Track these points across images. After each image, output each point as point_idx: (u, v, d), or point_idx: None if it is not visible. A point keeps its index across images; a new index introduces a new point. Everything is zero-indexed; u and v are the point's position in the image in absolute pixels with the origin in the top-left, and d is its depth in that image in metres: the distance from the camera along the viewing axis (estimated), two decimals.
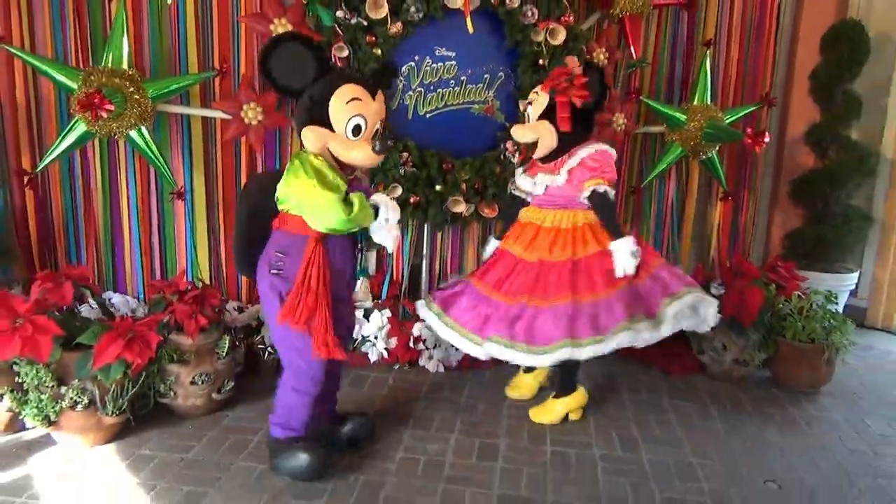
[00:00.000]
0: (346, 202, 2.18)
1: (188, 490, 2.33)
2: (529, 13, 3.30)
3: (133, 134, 2.96)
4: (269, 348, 3.19)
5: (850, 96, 4.13)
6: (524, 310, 2.74)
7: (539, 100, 2.82)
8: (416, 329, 3.40)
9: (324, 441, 2.53)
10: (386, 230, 2.35)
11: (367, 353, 3.42)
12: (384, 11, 3.07)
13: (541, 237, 2.88)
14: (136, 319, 2.63)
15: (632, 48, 3.71)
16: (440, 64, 3.32)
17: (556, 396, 2.97)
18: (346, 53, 3.11)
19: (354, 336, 3.39)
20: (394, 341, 3.40)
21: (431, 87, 3.34)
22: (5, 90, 3.12)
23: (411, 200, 3.31)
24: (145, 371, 2.63)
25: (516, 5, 3.26)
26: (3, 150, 3.18)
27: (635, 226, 4.17)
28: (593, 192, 2.80)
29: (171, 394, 2.78)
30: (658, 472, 2.57)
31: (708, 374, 3.52)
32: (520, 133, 2.90)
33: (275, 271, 2.27)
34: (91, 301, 2.95)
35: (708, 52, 3.90)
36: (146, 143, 3.01)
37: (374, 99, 2.29)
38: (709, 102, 3.82)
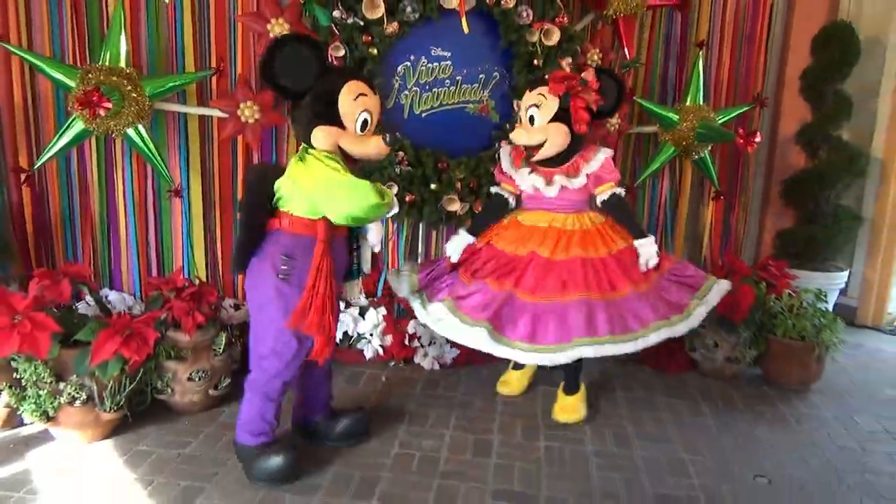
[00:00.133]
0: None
1: (185, 485, 2.35)
2: (524, 14, 3.33)
3: (130, 132, 2.97)
4: None
5: (840, 97, 4.16)
6: (590, 305, 2.72)
7: (548, 103, 2.80)
8: (412, 326, 3.43)
9: (296, 441, 2.58)
10: (377, 228, 2.43)
11: (362, 351, 3.45)
12: (380, 11, 3.09)
13: (569, 239, 2.87)
14: (134, 316, 2.64)
15: (625, 49, 3.73)
16: (436, 64, 3.35)
17: (571, 394, 3.01)
18: (342, 53, 3.13)
19: (350, 333, 3.42)
20: (389, 339, 3.43)
21: (427, 87, 3.37)
22: (3, 88, 3.12)
23: (407, 199, 3.33)
24: (143, 367, 2.65)
25: (511, 6, 3.29)
26: (1, 147, 3.18)
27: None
28: (612, 194, 2.91)
29: (169, 390, 2.80)
30: (650, 468, 2.60)
31: (700, 372, 3.56)
32: (527, 136, 2.85)
33: (282, 276, 2.26)
34: (88, 298, 2.96)
35: (701, 52, 3.93)
36: (143, 141, 3.02)
37: (375, 93, 2.33)
38: (701, 103, 3.85)
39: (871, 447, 2.86)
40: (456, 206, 3.41)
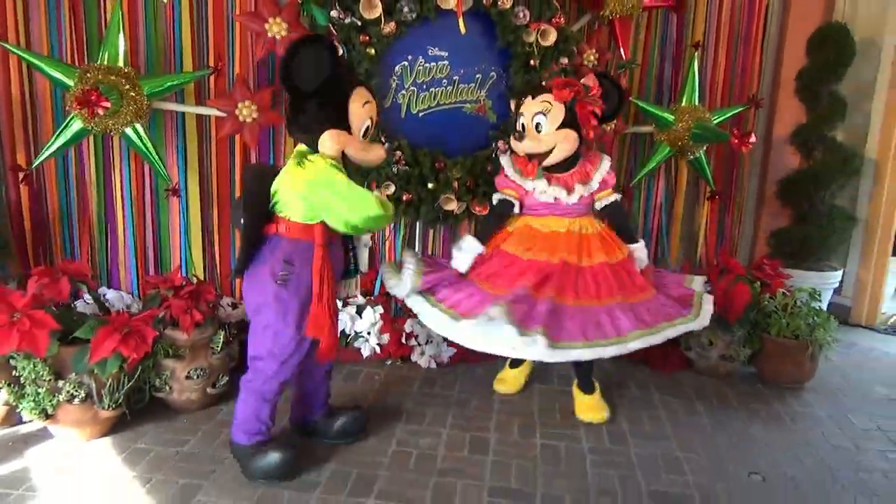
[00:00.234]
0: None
1: (184, 483, 2.36)
2: (521, 14, 3.34)
3: (128, 131, 2.98)
4: None
5: (835, 98, 4.19)
6: (625, 307, 2.76)
7: (554, 110, 2.80)
8: (408, 325, 3.45)
9: (294, 439, 2.60)
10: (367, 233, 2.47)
11: (359, 349, 3.46)
12: (378, 11, 3.10)
13: (590, 243, 2.91)
14: (132, 315, 2.65)
15: (621, 49, 3.75)
16: (433, 63, 3.36)
17: (588, 392, 3.04)
18: (339, 53, 3.14)
19: (347, 332, 3.44)
20: (386, 337, 3.45)
21: (424, 87, 3.38)
22: (1, 86, 3.13)
23: (404, 198, 3.35)
24: (141, 366, 2.66)
25: (508, 6, 3.30)
26: None
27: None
28: (613, 200, 3.00)
29: (167, 388, 2.81)
30: (645, 466, 2.62)
31: (695, 370, 3.58)
32: (536, 144, 2.85)
33: (280, 282, 2.27)
34: (87, 296, 2.97)
35: (696, 53, 3.95)
36: (141, 140, 3.03)
37: (375, 100, 2.35)
38: (697, 103, 3.88)
39: (864, 445, 2.88)
40: (453, 206, 3.42)
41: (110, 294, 3.32)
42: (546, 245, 2.88)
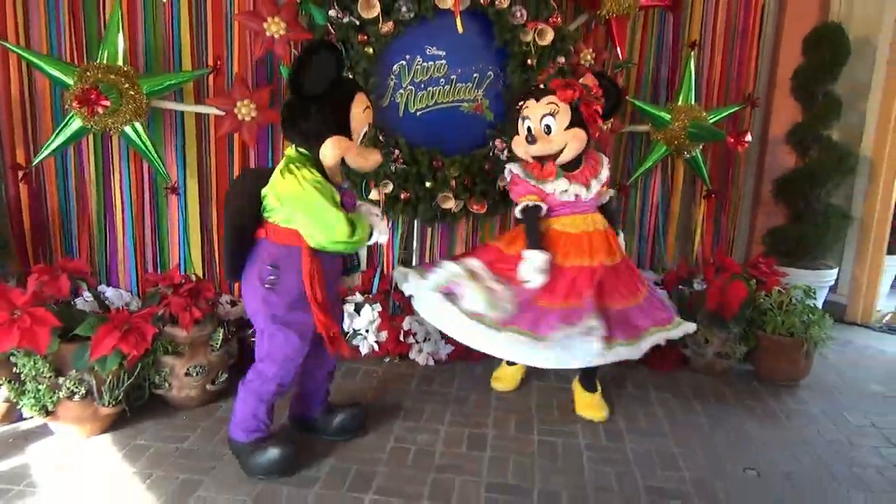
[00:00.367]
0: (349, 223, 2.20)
1: (183, 479, 2.37)
2: (518, 14, 3.35)
3: (128, 130, 3.00)
4: None
5: (830, 97, 4.21)
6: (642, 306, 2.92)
7: (562, 111, 2.82)
8: (407, 323, 3.46)
9: (293, 435, 2.62)
10: (382, 226, 2.46)
11: (358, 346, 3.48)
12: (376, 11, 3.11)
13: (604, 240, 2.95)
14: (132, 312, 2.65)
15: (618, 49, 3.77)
16: (431, 63, 3.38)
17: (590, 391, 3.06)
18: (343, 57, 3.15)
19: (346, 329, 3.45)
20: (384, 335, 3.46)
21: (422, 86, 3.39)
22: (0, 85, 3.14)
23: (402, 196, 3.36)
24: (141, 362, 2.67)
25: (505, 6, 3.31)
26: None
27: (622, 222, 4.25)
28: (611, 196, 3.11)
29: (166, 385, 2.83)
30: (642, 462, 2.63)
31: (691, 368, 3.60)
32: (547, 146, 2.86)
33: (268, 286, 2.28)
34: (86, 294, 2.98)
35: (693, 53, 3.97)
36: (140, 138, 3.05)
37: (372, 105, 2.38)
38: (693, 102, 3.90)
39: (858, 442, 2.90)
40: (450, 204, 3.43)
41: (110, 292, 3.33)
42: (579, 249, 2.88)
